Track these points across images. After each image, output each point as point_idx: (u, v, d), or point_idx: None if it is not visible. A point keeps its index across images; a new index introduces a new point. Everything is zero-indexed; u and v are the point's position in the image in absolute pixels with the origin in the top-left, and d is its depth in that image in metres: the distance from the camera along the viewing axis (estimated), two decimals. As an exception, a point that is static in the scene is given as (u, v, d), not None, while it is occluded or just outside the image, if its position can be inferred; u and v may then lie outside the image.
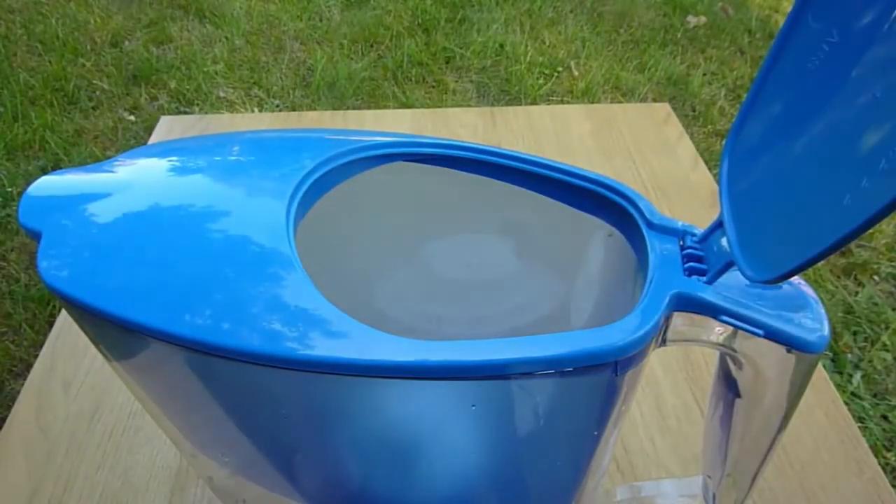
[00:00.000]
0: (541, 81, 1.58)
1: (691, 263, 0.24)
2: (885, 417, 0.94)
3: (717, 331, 0.24)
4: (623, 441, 0.42)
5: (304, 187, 0.26)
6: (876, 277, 1.13)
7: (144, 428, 0.42)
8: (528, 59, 1.63)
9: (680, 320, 0.23)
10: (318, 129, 0.32)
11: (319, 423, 0.25)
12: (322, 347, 0.20)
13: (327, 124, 0.70)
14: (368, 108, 1.47)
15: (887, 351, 1.02)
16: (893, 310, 1.07)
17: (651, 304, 0.22)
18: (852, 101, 0.18)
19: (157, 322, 0.21)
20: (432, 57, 1.61)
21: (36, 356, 0.46)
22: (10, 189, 1.23)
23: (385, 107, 1.46)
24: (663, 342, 0.24)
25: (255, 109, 1.46)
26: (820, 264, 1.13)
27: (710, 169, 0.63)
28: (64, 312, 0.48)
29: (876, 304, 1.08)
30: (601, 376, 0.22)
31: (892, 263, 1.14)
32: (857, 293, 1.10)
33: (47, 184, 0.25)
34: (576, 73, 1.62)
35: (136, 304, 0.21)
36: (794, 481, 0.40)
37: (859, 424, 0.88)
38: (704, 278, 0.23)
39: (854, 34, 0.18)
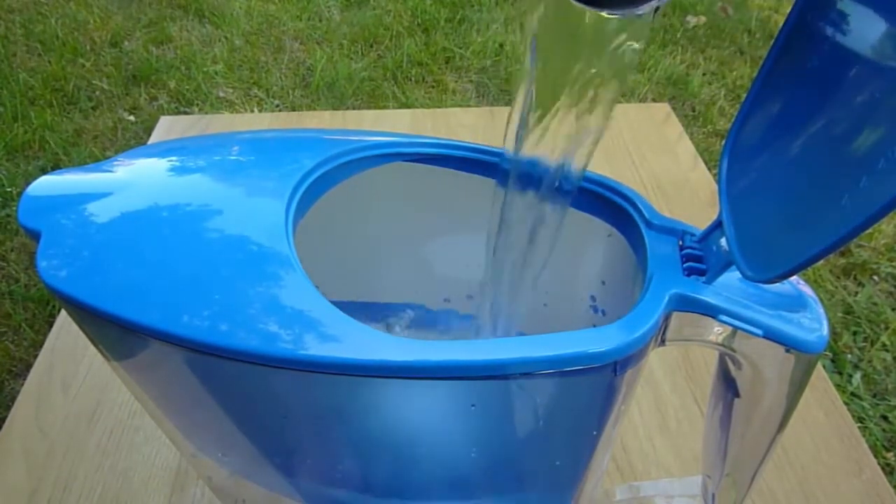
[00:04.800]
0: (540, 81, 1.58)
1: (690, 263, 0.24)
2: (884, 417, 0.94)
3: (717, 330, 0.24)
4: (623, 441, 0.42)
5: (304, 187, 0.26)
6: (875, 277, 1.13)
7: (144, 428, 0.42)
8: (527, 59, 1.63)
9: (679, 320, 0.23)
10: (318, 130, 0.32)
11: (319, 423, 0.25)
12: (321, 347, 0.20)
13: (327, 124, 0.70)
14: (368, 108, 1.47)
15: (887, 351, 1.02)
16: (893, 310, 1.07)
17: (650, 304, 0.22)
18: (851, 101, 0.18)
19: (155, 322, 0.21)
20: (432, 57, 1.61)
21: (36, 356, 0.46)
22: (9, 189, 1.23)
23: (385, 107, 1.46)
24: (662, 342, 0.24)
25: (255, 109, 1.46)
26: (819, 264, 1.13)
27: (709, 169, 0.63)
28: (64, 312, 0.48)
29: (875, 304, 1.08)
30: (600, 376, 0.22)
31: (892, 263, 1.14)
32: (856, 293, 1.10)
33: (47, 184, 0.25)
34: (575, 73, 1.61)
35: (136, 304, 0.21)
36: (793, 481, 0.40)
37: (859, 424, 0.88)
38: (703, 278, 0.23)
39: (854, 34, 0.18)
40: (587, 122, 0.22)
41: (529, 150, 0.23)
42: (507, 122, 0.23)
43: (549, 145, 0.23)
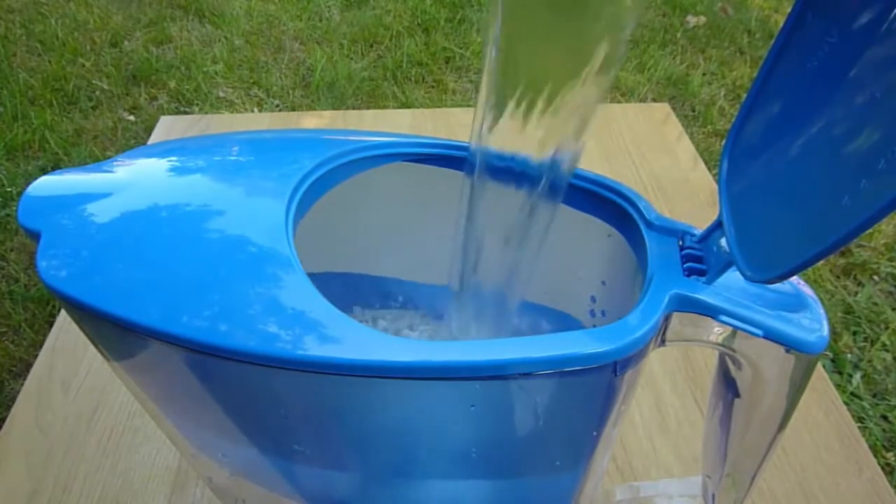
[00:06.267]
0: (540, 81, 1.57)
1: (690, 263, 0.24)
2: (884, 417, 0.94)
3: (717, 331, 0.24)
4: (623, 441, 0.42)
5: (304, 187, 0.26)
6: (875, 277, 1.13)
7: (144, 428, 0.42)
8: (527, 59, 1.62)
9: (679, 320, 0.23)
10: (318, 130, 0.32)
11: (318, 423, 0.25)
12: (321, 348, 0.20)
13: (327, 124, 0.70)
14: (368, 108, 1.47)
15: (887, 351, 1.02)
16: (893, 310, 1.07)
17: (650, 305, 0.22)
18: (851, 101, 0.18)
19: (155, 322, 0.21)
20: (432, 57, 1.61)
21: (35, 356, 0.46)
22: (9, 189, 1.23)
23: (385, 107, 1.46)
24: (662, 342, 0.24)
25: (255, 109, 1.46)
26: (819, 264, 1.13)
27: (709, 169, 0.63)
28: (64, 312, 0.48)
29: (875, 304, 1.08)
30: (600, 376, 0.22)
31: (892, 263, 1.14)
32: (856, 293, 1.10)
33: (47, 184, 0.25)
34: (575, 73, 1.61)
35: (135, 304, 0.21)
36: (793, 482, 0.40)
37: (859, 424, 0.88)
38: (704, 278, 0.23)
39: (853, 34, 0.18)
40: (575, 108, 0.19)
41: (501, 142, 0.21)
42: (475, 108, 0.21)
43: (525, 137, 0.21)
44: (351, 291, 0.36)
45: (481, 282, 0.27)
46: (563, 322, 0.34)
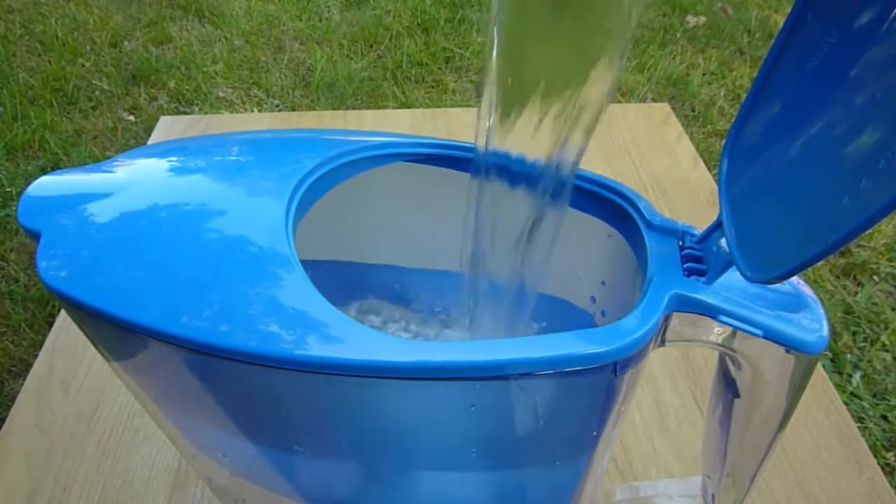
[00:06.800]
0: (540, 81, 1.57)
1: (690, 264, 0.24)
2: (884, 417, 0.94)
3: (717, 331, 0.24)
4: (623, 441, 0.42)
5: (304, 188, 0.26)
6: (875, 277, 1.13)
7: (144, 428, 0.42)
8: (527, 59, 1.62)
9: (679, 320, 0.23)
10: (318, 130, 0.32)
11: (319, 424, 0.25)
12: (321, 348, 0.20)
13: (327, 124, 0.70)
14: (368, 108, 1.47)
15: (887, 351, 1.02)
16: (893, 310, 1.07)
17: (650, 305, 0.22)
18: (851, 101, 0.18)
19: (155, 322, 0.21)
20: (432, 57, 1.61)
21: (35, 356, 0.46)
22: (9, 189, 1.23)
23: (385, 107, 1.46)
24: (662, 342, 0.24)
25: (255, 109, 1.46)
26: (819, 264, 1.13)
27: (709, 169, 0.63)
28: (63, 312, 0.48)
29: (875, 304, 1.08)
30: (600, 377, 0.22)
31: (892, 263, 1.14)
32: (856, 293, 1.10)
33: (47, 184, 0.25)
34: (575, 73, 1.60)
35: (135, 304, 0.21)
36: (793, 482, 0.40)
37: (859, 424, 0.88)
38: (703, 279, 0.23)
39: (853, 34, 0.18)
40: (579, 107, 0.19)
41: (508, 144, 0.22)
42: (480, 109, 0.21)
43: (533, 138, 0.21)
44: (350, 289, 0.36)
45: (491, 281, 0.27)
46: (568, 310, 0.33)
